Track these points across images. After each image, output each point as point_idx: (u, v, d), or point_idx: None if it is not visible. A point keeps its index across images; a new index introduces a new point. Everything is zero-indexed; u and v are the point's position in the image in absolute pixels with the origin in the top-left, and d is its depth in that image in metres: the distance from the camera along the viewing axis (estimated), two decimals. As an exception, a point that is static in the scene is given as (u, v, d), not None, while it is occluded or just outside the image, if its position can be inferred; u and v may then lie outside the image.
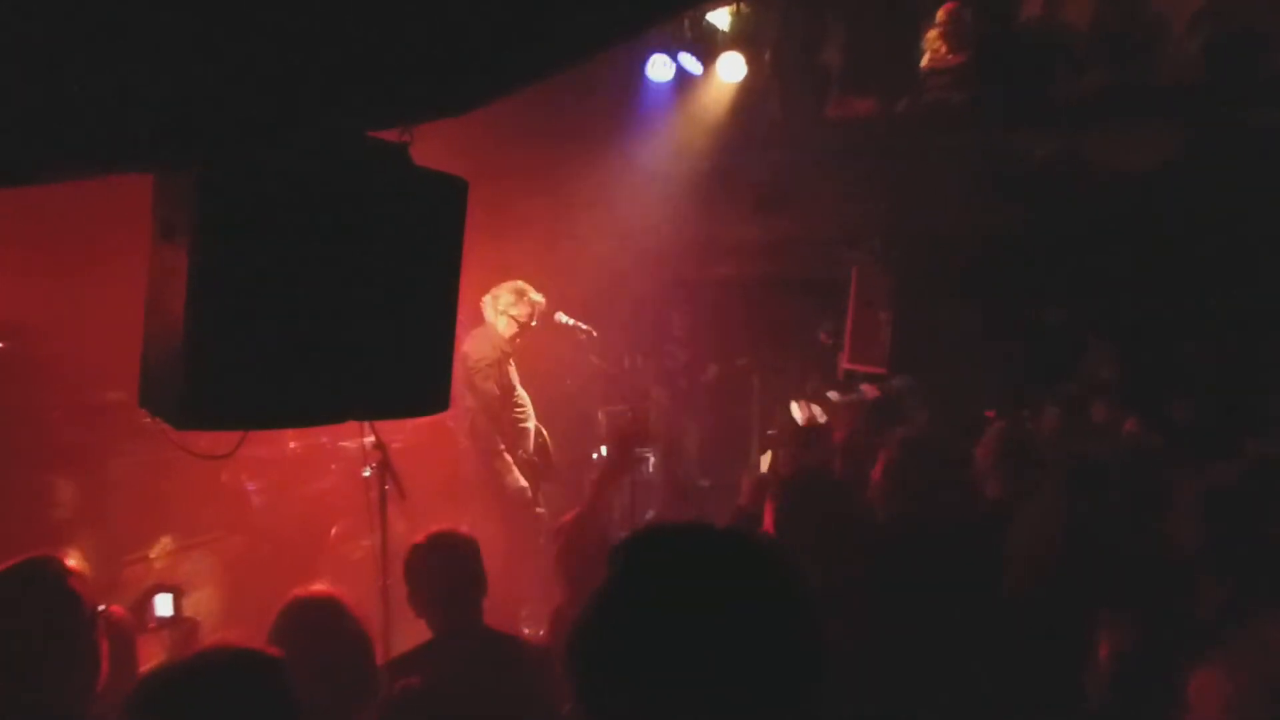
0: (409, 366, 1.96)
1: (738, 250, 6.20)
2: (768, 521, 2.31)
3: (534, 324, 4.70)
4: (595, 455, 5.69)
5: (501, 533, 4.42)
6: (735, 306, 6.37)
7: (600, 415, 5.96)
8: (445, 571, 2.44)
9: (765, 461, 4.88)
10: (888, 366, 5.45)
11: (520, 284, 4.71)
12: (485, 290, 4.71)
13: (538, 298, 4.72)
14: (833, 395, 5.63)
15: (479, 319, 4.73)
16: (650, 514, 5.11)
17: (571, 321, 4.88)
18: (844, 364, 5.67)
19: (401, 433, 4.45)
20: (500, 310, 4.68)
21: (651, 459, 6.06)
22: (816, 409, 5.51)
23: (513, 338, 4.69)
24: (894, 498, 2.73)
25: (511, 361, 4.71)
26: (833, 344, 6.06)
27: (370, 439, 3.64)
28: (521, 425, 4.73)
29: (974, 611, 2.22)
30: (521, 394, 4.76)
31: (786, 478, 2.49)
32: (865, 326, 5.63)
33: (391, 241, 1.89)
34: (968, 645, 2.14)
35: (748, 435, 6.28)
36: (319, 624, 2.04)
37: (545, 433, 4.88)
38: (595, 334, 4.94)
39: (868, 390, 5.50)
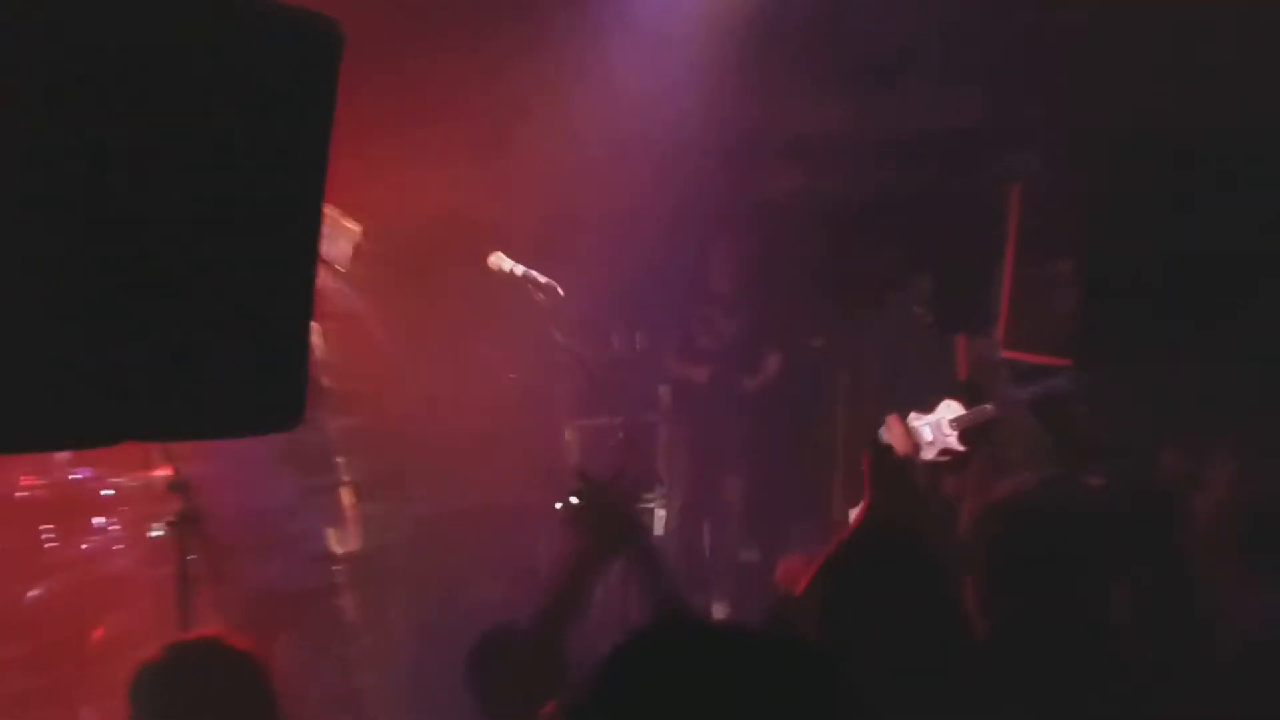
0: (239, 347, 2.01)
1: (813, 152, 6.18)
2: (813, 615, 2.53)
3: (344, 270, 4.87)
4: (559, 505, 5.68)
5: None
6: (808, 248, 6.35)
7: (568, 435, 5.96)
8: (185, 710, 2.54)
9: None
10: (1072, 355, 5.42)
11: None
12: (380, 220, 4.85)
13: (354, 227, 4.83)
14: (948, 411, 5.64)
15: None
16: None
17: (519, 270, 4.84)
18: (999, 350, 5.64)
19: (208, 461, 4.39)
20: None
21: (662, 514, 6.05)
22: (938, 429, 5.48)
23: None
24: (993, 599, 2.77)
25: None
26: (936, 318, 6.12)
27: (164, 473, 3.59)
28: None
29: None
30: None
31: (837, 553, 2.70)
32: (1032, 287, 5.60)
33: (214, 128, 1.93)
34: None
35: (825, 471, 6.28)
36: None
37: (350, 485, 4.90)
38: (561, 291, 4.90)
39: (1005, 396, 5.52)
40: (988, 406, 5.49)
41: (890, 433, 5.56)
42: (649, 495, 6.34)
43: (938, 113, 5.91)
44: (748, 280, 6.75)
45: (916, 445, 5.51)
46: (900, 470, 4.09)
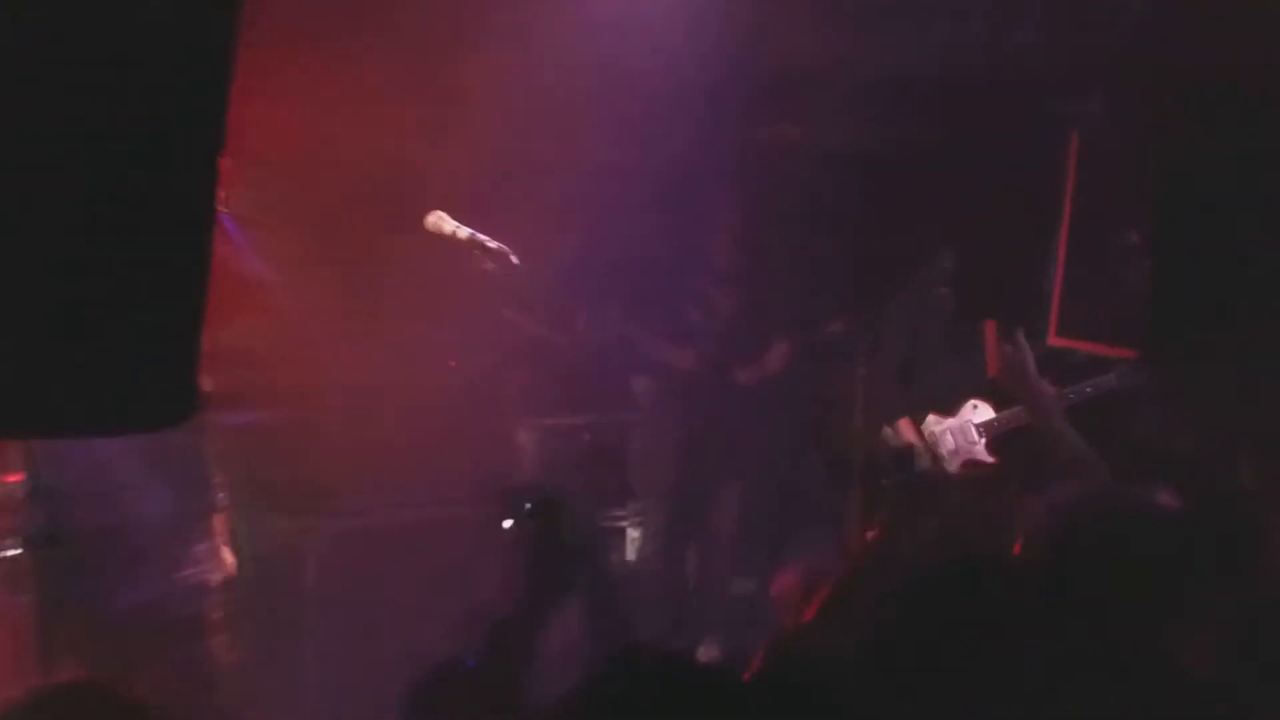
0: (114, 321, 1.97)
1: (824, 95, 6.17)
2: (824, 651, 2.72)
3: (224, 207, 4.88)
4: (508, 523, 5.70)
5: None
6: (823, 211, 6.32)
7: (523, 437, 5.93)
8: None
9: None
10: (1137, 345, 5.42)
11: None
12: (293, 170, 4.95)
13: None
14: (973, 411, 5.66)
15: None
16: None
17: (464, 232, 4.86)
18: (1049, 338, 5.65)
19: (73, 466, 4.36)
20: None
21: (636, 535, 6.04)
22: (962, 435, 5.50)
23: None
24: (1040, 636, 2.82)
25: None
26: (958, 299, 6.18)
27: (19, 480, 3.56)
28: None
29: None
30: None
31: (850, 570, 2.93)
32: (1091, 261, 5.60)
33: (85, 54, 1.88)
34: None
35: (838, 484, 6.31)
36: None
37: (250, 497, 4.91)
38: (515, 259, 4.88)
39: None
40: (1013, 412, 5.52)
41: (900, 440, 5.56)
42: (619, 512, 6.33)
43: (975, 47, 5.91)
44: (750, 249, 6.74)
45: (933, 455, 5.52)
46: (923, 484, 4.16)
